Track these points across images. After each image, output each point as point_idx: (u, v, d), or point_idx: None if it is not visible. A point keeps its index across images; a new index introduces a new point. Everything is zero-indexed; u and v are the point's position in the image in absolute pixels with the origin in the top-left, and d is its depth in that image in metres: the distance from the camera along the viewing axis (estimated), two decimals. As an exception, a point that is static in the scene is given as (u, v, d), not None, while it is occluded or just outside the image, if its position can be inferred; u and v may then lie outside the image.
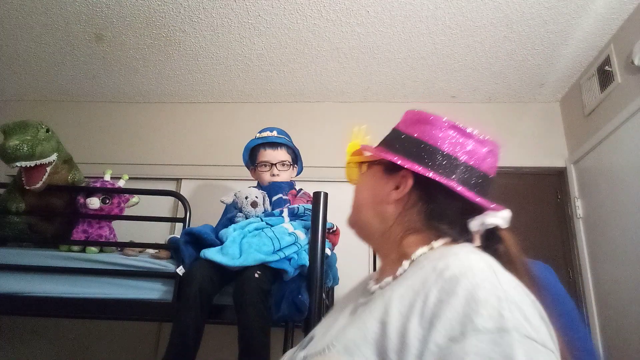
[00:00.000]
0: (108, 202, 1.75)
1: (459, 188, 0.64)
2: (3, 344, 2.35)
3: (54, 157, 1.71)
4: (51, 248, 1.72)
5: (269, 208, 1.75)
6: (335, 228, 1.83)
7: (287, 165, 1.89)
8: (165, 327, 2.32)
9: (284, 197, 1.79)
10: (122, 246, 1.72)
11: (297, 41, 2.28)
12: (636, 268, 1.89)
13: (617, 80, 2.08)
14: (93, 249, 1.68)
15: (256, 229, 1.57)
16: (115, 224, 1.85)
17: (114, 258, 1.63)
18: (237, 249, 1.47)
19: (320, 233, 1.45)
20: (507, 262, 0.60)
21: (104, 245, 1.71)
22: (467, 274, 0.51)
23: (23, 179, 1.67)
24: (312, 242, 1.45)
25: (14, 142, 1.58)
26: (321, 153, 2.65)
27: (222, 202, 1.80)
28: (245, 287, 1.38)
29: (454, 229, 0.66)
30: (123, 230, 1.91)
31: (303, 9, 2.05)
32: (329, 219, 1.55)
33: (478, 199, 0.65)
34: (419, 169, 0.66)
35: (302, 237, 1.58)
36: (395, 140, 0.74)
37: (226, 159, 2.62)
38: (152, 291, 1.57)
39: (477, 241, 0.66)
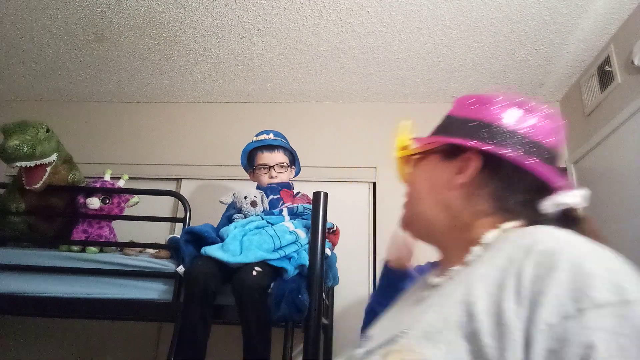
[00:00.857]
0: (108, 202, 1.75)
1: (530, 164, 0.60)
2: (3, 344, 2.35)
3: (54, 157, 1.71)
4: (51, 248, 1.72)
5: (267, 207, 1.75)
6: (335, 228, 1.83)
7: (285, 167, 1.90)
8: (165, 327, 2.32)
9: (275, 197, 1.80)
10: (122, 246, 1.72)
11: (297, 41, 2.28)
12: (636, 268, 1.88)
13: (617, 80, 2.08)
14: (93, 249, 1.68)
15: (257, 227, 1.58)
16: (115, 224, 1.85)
17: (114, 258, 1.63)
18: (237, 246, 1.48)
19: (320, 233, 1.45)
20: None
21: (104, 245, 1.71)
22: (564, 247, 0.47)
23: (23, 179, 1.67)
24: (312, 242, 1.46)
25: (14, 142, 1.58)
26: (321, 153, 2.66)
27: (221, 202, 1.80)
28: (243, 284, 1.39)
29: (526, 210, 0.62)
30: (123, 230, 1.91)
31: (303, 9, 2.06)
32: (329, 219, 1.55)
33: (551, 175, 0.61)
34: (486, 146, 0.62)
35: (303, 236, 1.59)
36: (451, 125, 0.70)
37: (226, 159, 2.62)
38: (152, 291, 1.58)
39: (552, 223, 0.60)
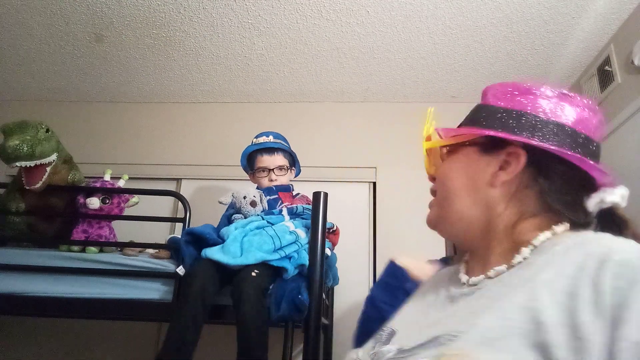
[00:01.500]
0: (108, 202, 1.75)
1: (582, 160, 0.56)
2: (3, 344, 2.35)
3: (54, 157, 1.71)
4: (51, 248, 1.72)
5: (266, 207, 1.75)
6: (335, 228, 1.83)
7: (285, 169, 1.89)
8: (165, 327, 2.32)
9: (272, 197, 1.80)
10: (122, 246, 1.72)
11: (297, 41, 2.28)
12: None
13: (617, 80, 2.08)
14: (93, 249, 1.68)
15: (257, 228, 1.57)
16: (115, 224, 1.85)
17: (114, 258, 1.63)
18: (238, 248, 1.48)
19: (320, 233, 1.45)
20: None
21: (104, 245, 1.71)
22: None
23: (23, 179, 1.67)
24: (312, 242, 1.46)
25: (14, 142, 1.58)
26: (321, 153, 2.66)
27: (220, 203, 1.80)
28: (243, 285, 1.38)
29: (573, 209, 0.58)
30: (123, 230, 1.91)
31: (303, 9, 2.05)
32: (329, 219, 1.55)
33: (599, 172, 0.57)
34: (533, 141, 0.57)
35: (303, 235, 1.59)
36: (487, 116, 0.64)
37: (226, 159, 2.62)
38: (152, 291, 1.58)
39: (595, 226, 0.59)
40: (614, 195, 0.57)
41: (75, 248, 1.68)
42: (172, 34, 2.26)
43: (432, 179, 0.70)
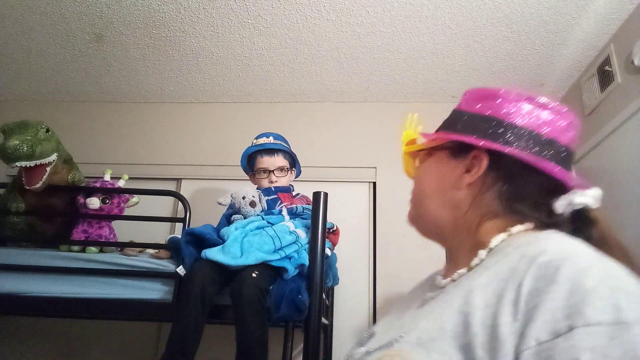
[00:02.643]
0: (108, 202, 1.75)
1: (543, 163, 0.57)
2: (3, 344, 2.35)
3: (54, 157, 1.71)
4: (51, 248, 1.72)
5: (265, 206, 1.75)
6: (335, 228, 1.83)
7: (285, 170, 1.89)
8: (165, 327, 2.32)
9: (271, 198, 1.80)
10: (122, 246, 1.72)
11: (297, 41, 2.28)
12: (636, 268, 1.88)
13: (617, 80, 2.08)
14: (93, 249, 1.68)
15: (257, 228, 1.57)
16: (115, 224, 1.85)
17: (114, 258, 1.63)
18: (238, 248, 1.48)
19: (320, 233, 1.45)
20: (605, 248, 0.51)
21: (104, 245, 1.71)
22: (567, 260, 0.44)
23: (23, 179, 1.67)
24: (312, 242, 1.46)
25: (14, 142, 1.58)
26: (321, 153, 2.65)
27: (219, 203, 1.80)
28: (243, 286, 1.38)
29: (537, 211, 0.59)
30: (123, 230, 1.91)
31: (303, 9, 2.05)
32: (329, 219, 1.55)
33: (566, 175, 0.58)
34: (495, 145, 0.59)
35: (303, 235, 1.59)
36: (459, 121, 0.67)
37: (226, 159, 2.62)
38: (152, 291, 1.58)
39: (565, 226, 0.58)
40: (585, 197, 0.58)
41: (75, 248, 1.68)
42: (172, 34, 2.26)
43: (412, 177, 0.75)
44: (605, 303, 0.40)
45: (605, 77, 2.18)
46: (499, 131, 0.61)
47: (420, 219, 0.70)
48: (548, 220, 0.59)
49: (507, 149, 0.58)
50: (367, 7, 2.03)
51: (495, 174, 0.61)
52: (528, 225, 0.59)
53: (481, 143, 0.60)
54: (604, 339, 0.38)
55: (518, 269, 0.47)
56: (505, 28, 2.12)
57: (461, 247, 0.63)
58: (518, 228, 0.58)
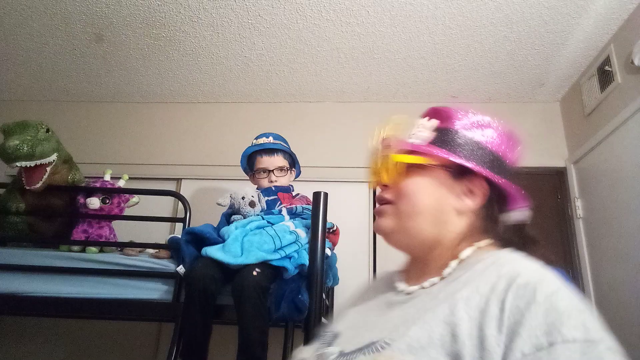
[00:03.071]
0: (108, 202, 1.75)
1: (514, 190, 0.67)
2: (3, 344, 2.35)
3: (54, 157, 1.71)
4: (51, 248, 1.72)
5: (264, 206, 1.75)
6: (335, 228, 1.83)
7: (285, 170, 1.89)
8: (165, 327, 2.32)
9: (271, 198, 1.80)
10: (122, 246, 1.72)
11: (297, 41, 2.28)
12: (636, 268, 1.89)
13: (617, 80, 2.08)
14: (93, 249, 1.68)
15: (258, 227, 1.58)
16: (115, 224, 1.85)
17: (114, 258, 1.63)
18: (238, 247, 1.48)
19: (320, 233, 1.45)
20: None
21: (104, 245, 1.71)
22: (542, 282, 0.52)
23: (23, 179, 1.67)
24: (312, 242, 1.46)
25: (14, 142, 1.58)
26: (321, 153, 2.65)
27: (218, 204, 1.80)
28: (244, 284, 1.39)
29: (497, 228, 0.68)
30: (123, 230, 1.91)
31: (303, 9, 2.05)
32: (329, 219, 1.55)
33: (520, 195, 0.67)
34: (494, 176, 0.66)
35: (303, 235, 1.59)
36: (456, 142, 0.69)
37: (226, 159, 2.62)
38: (152, 291, 1.58)
39: (513, 241, 0.67)
40: (522, 215, 0.67)
41: (75, 248, 1.68)
42: (172, 34, 2.26)
43: (383, 186, 0.72)
44: (577, 323, 0.48)
45: (605, 77, 2.18)
46: (494, 162, 0.68)
47: (401, 233, 0.68)
48: (502, 236, 0.67)
49: (501, 180, 0.66)
50: (367, 7, 2.03)
51: (487, 201, 0.68)
52: (489, 240, 0.66)
53: (485, 173, 0.66)
54: (578, 354, 0.46)
55: (498, 287, 0.53)
56: (505, 28, 2.12)
57: (436, 260, 0.67)
58: (483, 243, 0.66)
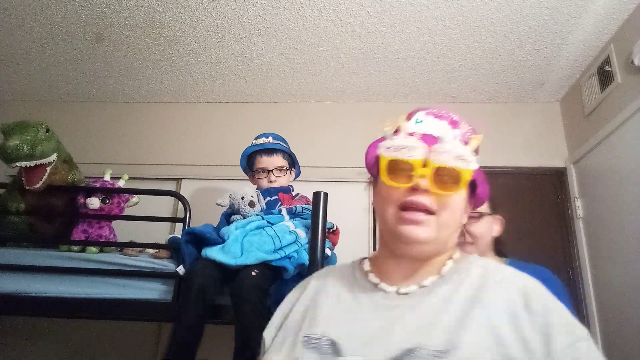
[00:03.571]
0: (108, 202, 1.75)
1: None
2: (3, 344, 2.35)
3: (54, 157, 1.71)
4: (51, 248, 1.72)
5: (264, 206, 1.75)
6: (335, 228, 1.83)
7: (284, 170, 1.89)
8: (165, 327, 2.32)
9: (272, 198, 1.80)
10: (122, 246, 1.72)
11: (297, 41, 2.28)
12: (636, 268, 1.89)
13: (617, 80, 2.08)
14: (93, 249, 1.68)
15: (257, 228, 1.57)
16: (115, 224, 1.85)
17: (114, 258, 1.63)
18: (238, 248, 1.48)
19: (320, 233, 1.45)
20: None
21: (104, 245, 1.71)
22: (543, 287, 0.65)
23: (23, 179, 1.67)
24: (312, 242, 1.45)
25: (14, 142, 1.58)
26: (321, 153, 2.65)
27: (218, 204, 1.80)
28: (243, 285, 1.38)
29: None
30: (123, 230, 1.91)
31: (303, 9, 2.05)
32: (329, 219, 1.55)
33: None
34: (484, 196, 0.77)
35: (303, 235, 1.59)
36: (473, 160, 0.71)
37: (226, 159, 2.62)
38: (152, 291, 1.58)
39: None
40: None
41: (75, 248, 1.68)
42: (172, 34, 2.26)
43: (423, 191, 0.66)
44: (575, 322, 0.61)
45: (605, 77, 2.18)
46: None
47: (435, 243, 0.68)
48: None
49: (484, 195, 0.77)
50: (367, 7, 2.03)
51: None
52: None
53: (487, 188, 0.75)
54: (592, 346, 0.59)
55: (519, 294, 0.62)
56: (505, 28, 2.12)
57: (431, 261, 0.70)
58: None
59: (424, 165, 0.66)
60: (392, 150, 0.69)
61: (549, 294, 0.63)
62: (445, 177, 0.66)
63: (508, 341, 0.57)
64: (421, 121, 0.73)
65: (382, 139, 0.75)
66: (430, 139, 0.69)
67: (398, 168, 0.68)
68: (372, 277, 0.72)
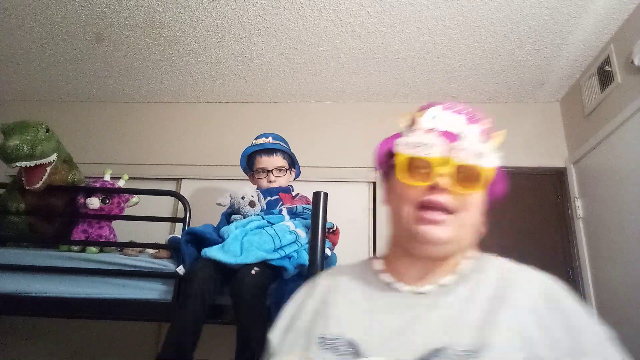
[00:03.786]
0: (108, 202, 1.75)
1: None
2: (3, 344, 2.35)
3: (54, 157, 1.71)
4: (51, 248, 1.72)
5: (264, 206, 1.75)
6: (335, 228, 1.83)
7: (284, 170, 1.89)
8: (165, 327, 2.31)
9: (273, 198, 1.80)
10: (122, 246, 1.72)
11: (297, 41, 2.28)
12: (636, 268, 1.89)
13: (617, 80, 2.08)
14: (93, 249, 1.68)
15: (257, 227, 1.57)
16: (115, 224, 1.85)
17: (114, 258, 1.63)
18: (238, 247, 1.48)
19: (320, 233, 1.45)
20: None
21: (104, 245, 1.71)
22: (566, 288, 0.65)
23: (23, 179, 1.67)
24: (312, 242, 1.45)
25: (14, 142, 1.58)
26: (321, 153, 2.65)
27: (218, 204, 1.80)
28: (242, 284, 1.38)
29: None
30: (123, 230, 1.91)
31: (303, 9, 2.05)
32: (329, 219, 1.55)
33: None
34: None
35: (303, 235, 1.59)
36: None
37: (226, 159, 2.62)
38: (152, 291, 1.58)
39: None
40: None
41: (75, 248, 1.68)
42: (172, 34, 2.26)
43: (442, 190, 0.64)
44: (600, 322, 0.63)
45: (605, 77, 2.18)
46: None
47: (454, 243, 0.66)
48: None
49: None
50: (367, 7, 2.03)
51: None
52: None
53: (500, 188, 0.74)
54: (616, 347, 0.62)
55: (542, 297, 0.62)
56: (505, 28, 2.12)
57: (447, 260, 0.68)
58: None
59: (443, 163, 0.64)
60: (410, 147, 0.67)
61: (572, 294, 0.63)
62: (465, 176, 0.64)
63: (537, 341, 0.57)
64: (438, 117, 0.70)
65: (397, 135, 0.71)
66: (449, 136, 0.66)
67: (416, 166, 0.66)
68: (387, 277, 0.71)
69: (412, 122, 0.71)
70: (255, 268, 1.42)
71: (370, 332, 0.63)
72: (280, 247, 1.50)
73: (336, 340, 0.63)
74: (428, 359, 0.56)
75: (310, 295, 0.75)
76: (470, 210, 0.66)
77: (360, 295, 0.70)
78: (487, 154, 0.66)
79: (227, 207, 1.82)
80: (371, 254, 2.48)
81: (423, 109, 0.72)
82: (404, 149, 0.67)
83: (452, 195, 0.64)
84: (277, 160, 1.88)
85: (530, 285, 0.64)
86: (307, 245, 1.53)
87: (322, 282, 0.77)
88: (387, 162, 0.73)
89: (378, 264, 0.75)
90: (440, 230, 0.64)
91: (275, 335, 0.73)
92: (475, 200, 0.67)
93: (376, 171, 2.62)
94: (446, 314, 0.62)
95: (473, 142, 0.66)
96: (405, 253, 0.69)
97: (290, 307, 0.76)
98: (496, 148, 0.68)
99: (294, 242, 1.55)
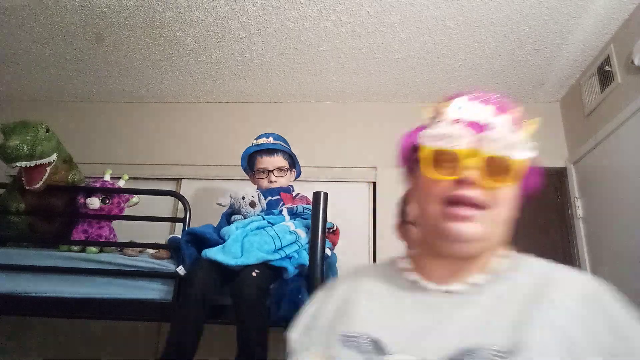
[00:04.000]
0: (108, 202, 1.75)
1: None
2: (3, 344, 2.35)
3: (54, 157, 1.71)
4: (51, 248, 1.72)
5: (264, 206, 1.75)
6: (335, 228, 1.83)
7: (285, 170, 1.89)
8: (165, 327, 2.31)
9: (273, 198, 1.80)
10: (122, 246, 1.72)
11: (297, 41, 2.28)
12: (636, 268, 1.89)
13: (617, 80, 2.08)
14: (93, 249, 1.68)
15: (258, 228, 1.57)
16: (115, 224, 1.85)
17: (114, 258, 1.63)
18: (238, 248, 1.48)
19: (320, 233, 1.45)
20: None
21: (104, 245, 1.71)
22: (606, 287, 0.62)
23: (23, 179, 1.67)
24: (312, 242, 1.46)
25: (14, 142, 1.58)
26: (321, 153, 2.65)
27: (218, 204, 1.80)
28: (243, 285, 1.38)
29: None
30: (123, 230, 1.91)
31: (303, 9, 2.05)
32: (329, 219, 1.55)
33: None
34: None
35: (303, 235, 1.59)
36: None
37: (226, 159, 2.62)
38: (152, 291, 1.58)
39: None
40: None
41: (75, 248, 1.68)
42: (172, 34, 2.26)
43: (471, 184, 0.60)
44: None
45: (605, 77, 2.18)
46: None
47: (485, 241, 0.62)
48: None
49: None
50: (367, 7, 2.03)
51: None
52: None
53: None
54: None
55: (578, 297, 0.58)
56: (505, 28, 2.12)
57: (480, 259, 0.64)
58: None
59: (472, 155, 0.60)
60: (435, 140, 0.62)
61: (619, 296, 0.60)
62: (495, 168, 0.60)
63: (578, 342, 0.54)
64: (464, 107, 0.65)
65: (421, 127, 0.67)
66: (476, 127, 0.62)
67: (442, 159, 0.62)
68: (413, 275, 0.68)
69: (437, 114, 0.66)
70: (256, 270, 1.42)
71: (396, 330, 0.61)
72: (281, 248, 1.51)
73: (358, 338, 0.62)
74: (460, 359, 0.55)
75: (331, 294, 0.73)
76: (501, 206, 0.62)
77: (385, 293, 0.68)
78: (519, 145, 0.62)
79: (227, 207, 1.82)
80: (371, 254, 2.48)
81: (448, 99, 0.67)
82: (429, 141, 0.63)
83: (482, 189, 0.60)
84: (278, 161, 1.88)
85: (572, 286, 0.60)
86: (307, 246, 1.53)
87: (343, 282, 0.76)
88: (410, 157, 0.68)
89: (403, 263, 0.71)
90: (469, 227, 0.60)
91: (295, 333, 0.72)
92: (507, 194, 0.62)
93: (377, 171, 2.62)
94: (478, 313, 0.59)
95: (503, 132, 0.62)
96: (433, 251, 0.66)
97: (310, 307, 0.75)
98: (528, 138, 0.64)
99: (294, 242, 1.55)
